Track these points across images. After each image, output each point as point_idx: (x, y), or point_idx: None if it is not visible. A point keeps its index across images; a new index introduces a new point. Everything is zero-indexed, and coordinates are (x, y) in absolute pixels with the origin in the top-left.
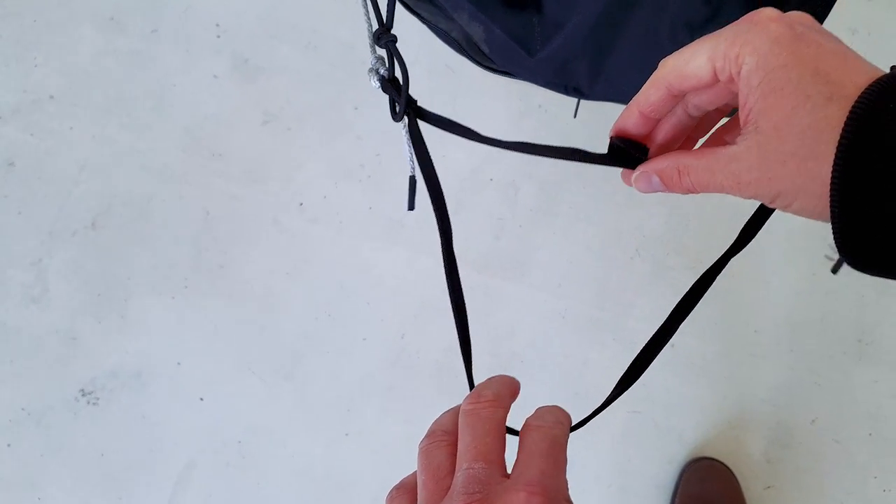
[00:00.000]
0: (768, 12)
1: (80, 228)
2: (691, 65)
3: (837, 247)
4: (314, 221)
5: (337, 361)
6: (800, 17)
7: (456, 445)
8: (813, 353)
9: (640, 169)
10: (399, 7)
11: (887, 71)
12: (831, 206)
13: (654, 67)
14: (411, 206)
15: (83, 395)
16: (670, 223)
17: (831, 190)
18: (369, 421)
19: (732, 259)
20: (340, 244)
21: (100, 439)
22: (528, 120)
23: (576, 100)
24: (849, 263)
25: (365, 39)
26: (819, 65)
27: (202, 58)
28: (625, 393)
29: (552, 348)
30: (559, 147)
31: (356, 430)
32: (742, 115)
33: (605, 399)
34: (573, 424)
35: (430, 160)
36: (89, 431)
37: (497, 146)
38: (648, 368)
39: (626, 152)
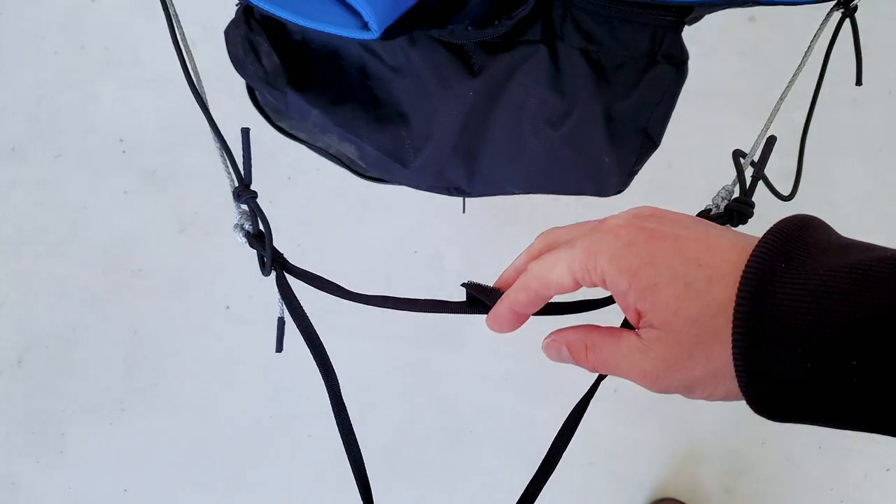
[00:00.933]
0: (613, 220)
1: (6, 367)
2: (552, 274)
3: (752, 409)
4: (243, 322)
5: (286, 463)
6: (648, 214)
7: None
8: None
9: (552, 336)
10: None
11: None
12: (738, 377)
13: (524, 160)
14: (279, 349)
15: None
16: None
17: (735, 362)
18: None
19: None
20: (272, 342)
21: None
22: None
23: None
24: (768, 418)
25: (273, 136)
26: (685, 253)
27: (110, 176)
28: (569, 445)
29: (499, 413)
30: (420, 300)
31: None
32: (630, 316)
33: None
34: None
35: (304, 313)
36: None
37: (363, 302)
38: (591, 414)
39: (483, 301)
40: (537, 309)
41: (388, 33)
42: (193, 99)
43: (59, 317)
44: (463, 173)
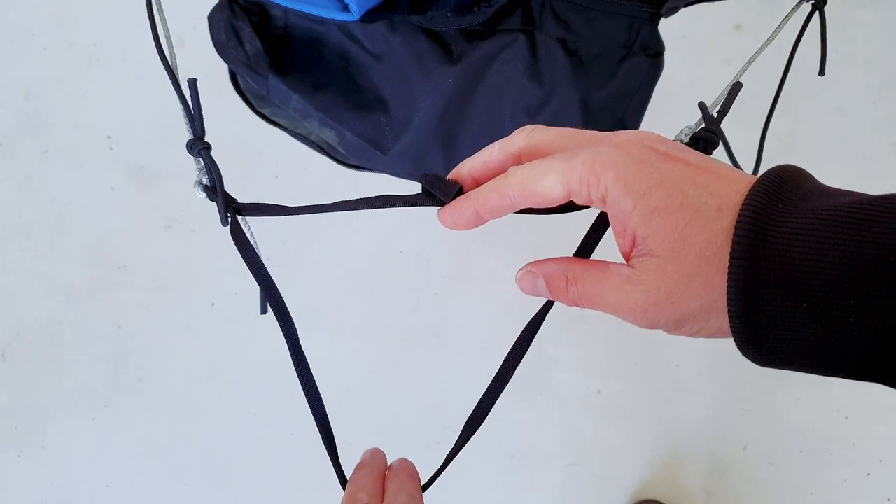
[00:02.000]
0: (627, 135)
1: None
2: (541, 183)
3: (739, 348)
4: (228, 320)
5: (269, 461)
6: (660, 138)
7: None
8: (735, 379)
9: (527, 268)
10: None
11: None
12: (729, 313)
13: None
14: (263, 310)
15: None
16: None
17: (729, 298)
18: None
19: None
20: (256, 339)
21: None
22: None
23: None
24: (752, 360)
25: (260, 133)
26: (696, 179)
27: (97, 171)
28: (551, 446)
29: None
30: (372, 197)
31: None
32: (624, 241)
33: (448, 453)
34: (424, 483)
35: (262, 264)
36: None
37: (316, 212)
38: (574, 415)
39: (437, 190)
40: (503, 216)
41: (368, 16)
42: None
43: (43, 312)
44: (441, 160)
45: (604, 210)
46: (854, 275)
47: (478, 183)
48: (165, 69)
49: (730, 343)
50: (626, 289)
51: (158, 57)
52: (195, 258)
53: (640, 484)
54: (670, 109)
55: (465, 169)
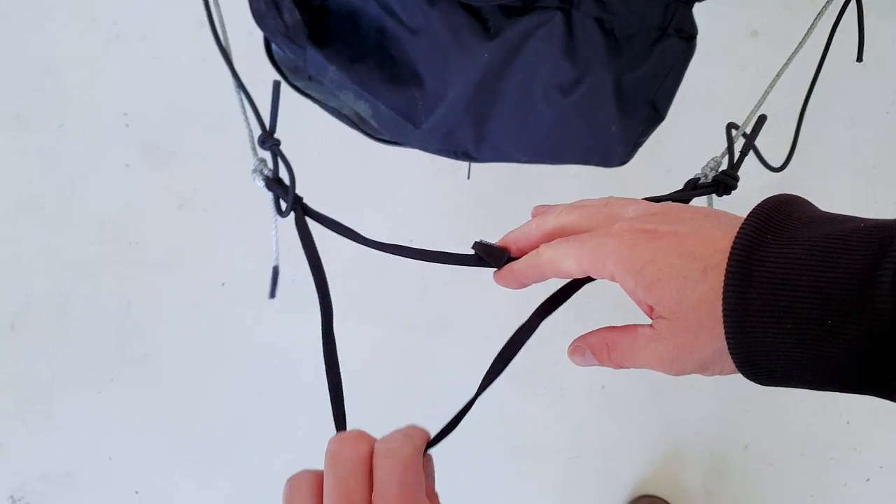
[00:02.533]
0: (619, 224)
1: None
2: (562, 264)
3: (740, 371)
4: (237, 300)
5: (273, 441)
6: (654, 212)
7: (320, 488)
8: (738, 380)
9: (575, 343)
10: (290, 94)
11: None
12: (727, 339)
13: (534, 126)
14: (272, 295)
15: (13, 501)
16: None
17: (724, 325)
18: None
19: None
20: (265, 320)
21: None
22: (441, 177)
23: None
24: (754, 381)
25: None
26: (682, 249)
27: (112, 148)
28: (553, 439)
29: (485, 404)
30: (432, 250)
31: None
32: (644, 308)
33: (460, 409)
34: (432, 438)
35: (318, 255)
36: None
37: (376, 248)
38: (577, 409)
39: (488, 257)
40: (539, 282)
41: None
42: (198, 77)
43: (53, 285)
44: (472, 137)
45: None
46: (829, 296)
47: (519, 249)
48: (226, 63)
49: None
50: (652, 346)
51: (219, 52)
52: (206, 238)
53: (640, 479)
54: (685, 111)
55: (510, 238)
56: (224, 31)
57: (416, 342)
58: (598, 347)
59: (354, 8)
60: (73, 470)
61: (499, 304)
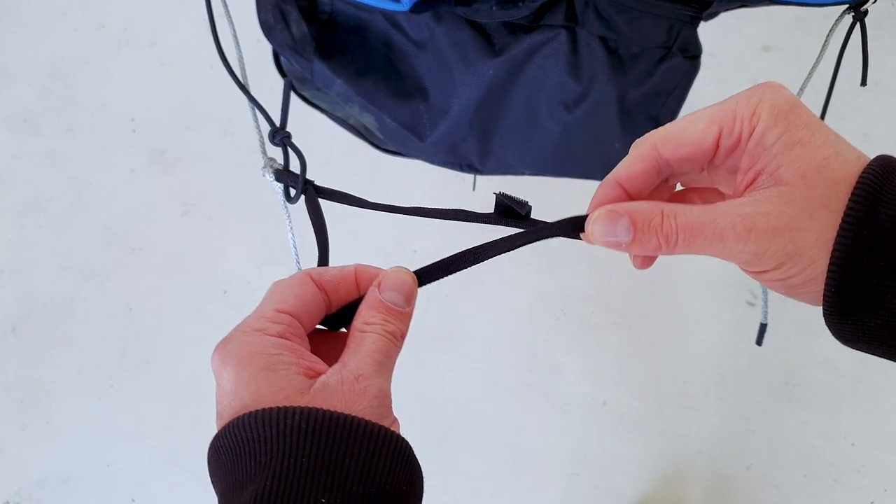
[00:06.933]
0: (777, 83)
1: None
2: (690, 130)
3: (826, 313)
4: (239, 308)
5: None
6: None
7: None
8: (743, 399)
9: (609, 207)
10: (296, 100)
11: None
12: (829, 273)
13: (538, 141)
14: None
15: None
16: (592, 281)
17: (831, 262)
18: None
19: (657, 313)
20: None
21: None
22: (447, 187)
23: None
24: (834, 323)
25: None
26: (836, 135)
27: (118, 153)
28: (554, 454)
29: (486, 418)
30: (446, 209)
31: None
32: (744, 178)
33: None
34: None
35: (325, 229)
36: None
37: (392, 212)
38: (579, 425)
39: (512, 209)
40: (649, 187)
41: (417, 7)
42: (206, 84)
43: (56, 288)
44: (476, 150)
45: (735, 150)
46: None
47: (625, 191)
48: (227, 70)
49: (739, 363)
50: (746, 211)
51: (236, 53)
52: (210, 245)
53: (641, 498)
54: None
55: (610, 178)
56: (236, 40)
57: (419, 355)
58: (647, 213)
59: (362, 21)
60: (71, 476)
61: (502, 315)
